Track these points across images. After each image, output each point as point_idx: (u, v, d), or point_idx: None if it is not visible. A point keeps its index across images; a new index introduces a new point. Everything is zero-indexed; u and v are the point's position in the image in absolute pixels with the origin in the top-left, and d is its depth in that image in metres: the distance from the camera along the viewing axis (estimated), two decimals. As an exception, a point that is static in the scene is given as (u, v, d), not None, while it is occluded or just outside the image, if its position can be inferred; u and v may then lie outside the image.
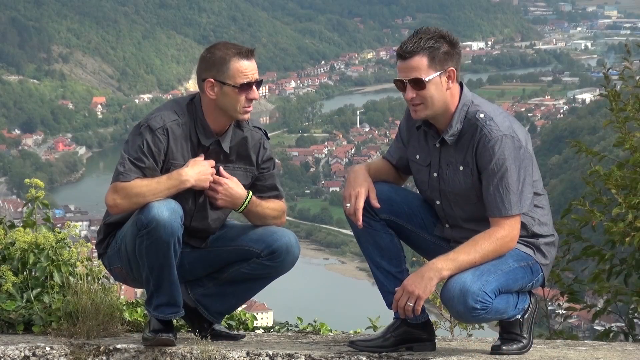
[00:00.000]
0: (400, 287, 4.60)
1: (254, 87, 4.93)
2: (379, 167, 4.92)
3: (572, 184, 47.58)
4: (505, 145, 4.56)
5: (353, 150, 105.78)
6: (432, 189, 4.79)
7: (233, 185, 4.99)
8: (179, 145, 4.94)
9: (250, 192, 5.03)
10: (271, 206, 5.11)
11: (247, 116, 4.97)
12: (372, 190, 4.76)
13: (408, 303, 4.57)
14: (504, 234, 4.57)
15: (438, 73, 4.60)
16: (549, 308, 6.22)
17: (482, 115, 4.62)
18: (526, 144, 4.62)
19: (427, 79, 4.59)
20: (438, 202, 4.79)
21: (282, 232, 5.08)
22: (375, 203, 4.75)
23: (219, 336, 5.22)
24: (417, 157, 4.82)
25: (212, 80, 4.91)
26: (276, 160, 5.26)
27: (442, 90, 4.62)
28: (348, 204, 4.75)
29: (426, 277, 4.53)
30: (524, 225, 4.66)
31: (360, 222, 4.72)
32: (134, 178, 4.85)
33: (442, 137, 4.69)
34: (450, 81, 4.63)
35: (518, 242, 4.65)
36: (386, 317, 5.19)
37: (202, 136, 4.98)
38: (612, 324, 6.45)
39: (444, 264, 4.52)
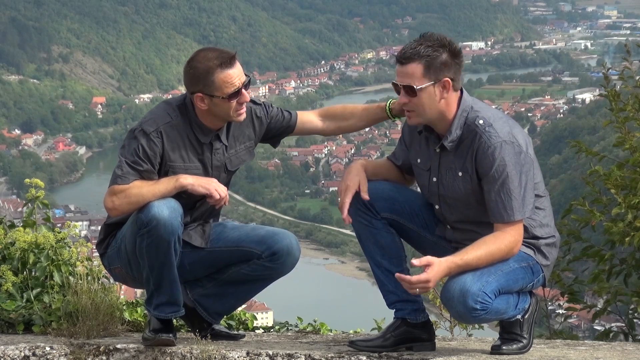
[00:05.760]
0: (426, 278, 4.48)
1: (243, 90, 4.93)
2: (378, 165, 4.92)
3: (572, 184, 47.55)
4: (505, 152, 4.55)
5: (353, 150, 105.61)
6: (432, 193, 4.79)
7: None
8: (175, 147, 4.94)
9: None
10: None
11: (242, 117, 4.99)
12: (362, 183, 4.76)
13: (419, 290, 4.52)
14: (510, 239, 4.56)
15: (432, 82, 4.58)
16: (549, 308, 6.22)
17: (481, 122, 4.61)
18: (527, 149, 4.60)
19: (418, 88, 4.58)
20: (437, 207, 4.79)
21: (283, 234, 5.09)
22: (365, 196, 4.74)
23: (218, 336, 5.22)
24: (419, 160, 4.82)
25: (201, 94, 4.91)
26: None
27: (434, 100, 4.60)
28: (339, 199, 4.77)
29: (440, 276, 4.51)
30: (524, 227, 4.64)
31: (344, 216, 4.74)
32: (132, 181, 4.86)
33: (441, 142, 4.69)
34: (445, 91, 4.60)
35: (518, 243, 4.65)
36: (389, 318, 5.19)
37: (200, 134, 4.99)
38: (612, 324, 6.45)
39: (452, 264, 4.50)
